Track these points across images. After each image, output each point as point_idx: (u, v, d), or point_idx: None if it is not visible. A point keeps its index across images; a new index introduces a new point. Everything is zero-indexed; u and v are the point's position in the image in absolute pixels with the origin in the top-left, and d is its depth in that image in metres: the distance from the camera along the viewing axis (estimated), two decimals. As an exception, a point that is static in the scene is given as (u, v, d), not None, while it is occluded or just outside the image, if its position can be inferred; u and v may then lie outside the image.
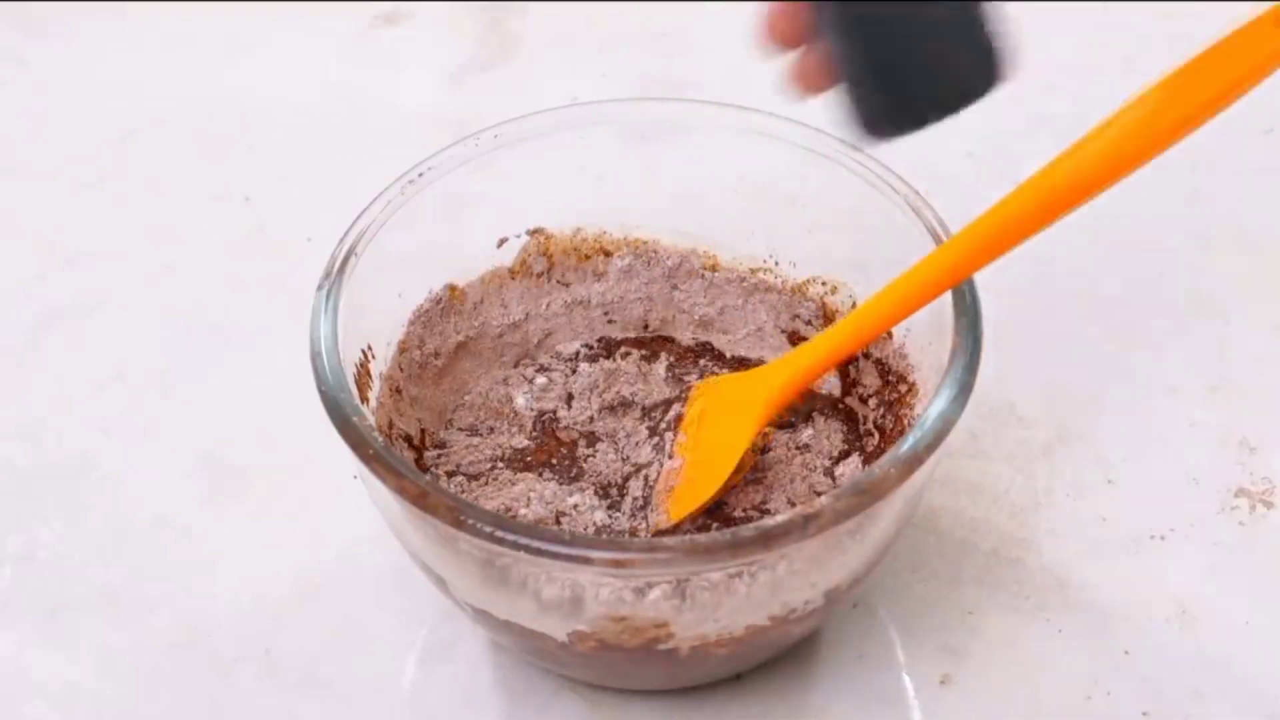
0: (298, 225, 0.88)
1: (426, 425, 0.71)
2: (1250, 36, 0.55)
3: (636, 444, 0.70)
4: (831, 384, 0.73)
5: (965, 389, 0.59)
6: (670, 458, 0.67)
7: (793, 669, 0.67)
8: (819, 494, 0.67)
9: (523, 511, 0.67)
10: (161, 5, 1.04)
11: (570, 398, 0.73)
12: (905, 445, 0.58)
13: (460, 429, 0.72)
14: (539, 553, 0.55)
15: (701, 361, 0.75)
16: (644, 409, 0.72)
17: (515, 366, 0.75)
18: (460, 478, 0.69)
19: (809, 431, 0.71)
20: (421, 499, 0.56)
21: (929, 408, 0.59)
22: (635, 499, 0.67)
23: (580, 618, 0.58)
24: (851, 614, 0.69)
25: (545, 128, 0.71)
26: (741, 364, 0.75)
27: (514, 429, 0.72)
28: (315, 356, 0.61)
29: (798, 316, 0.75)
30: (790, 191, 0.71)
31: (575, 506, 0.67)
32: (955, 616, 0.69)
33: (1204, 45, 0.56)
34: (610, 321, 0.76)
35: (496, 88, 0.99)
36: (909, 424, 0.64)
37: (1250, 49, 0.55)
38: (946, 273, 0.62)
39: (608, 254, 0.75)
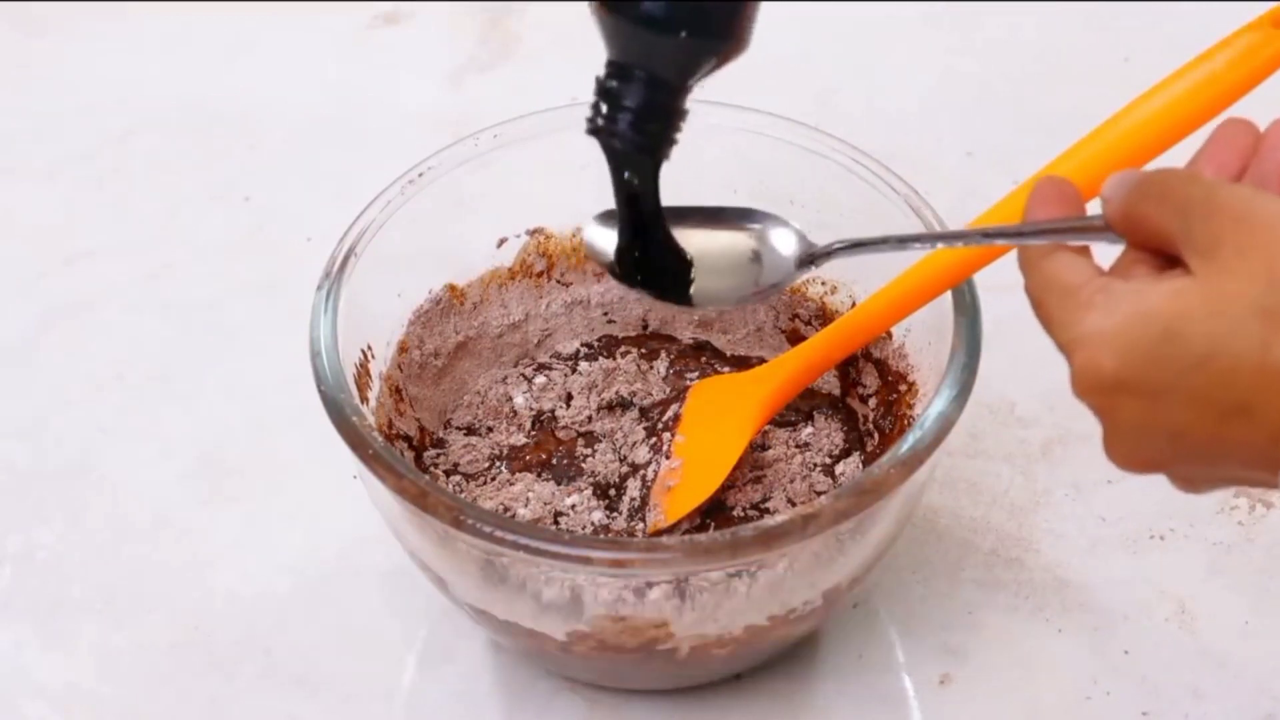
0: (297, 225, 0.88)
1: (426, 425, 0.71)
2: (1249, 38, 0.55)
3: (634, 444, 0.70)
4: (831, 384, 0.73)
5: (965, 389, 0.59)
6: (668, 457, 0.67)
7: (793, 669, 0.67)
8: (819, 493, 0.67)
9: (521, 511, 0.67)
10: (161, 5, 1.04)
11: (569, 397, 0.73)
12: (905, 445, 0.58)
13: (458, 428, 0.72)
14: (538, 552, 0.55)
15: (701, 360, 0.75)
16: (642, 409, 0.72)
17: (515, 366, 0.75)
18: (458, 477, 0.69)
19: (809, 430, 0.71)
20: (421, 499, 0.56)
21: (929, 408, 0.59)
22: (633, 499, 0.67)
23: (580, 618, 0.58)
24: (851, 614, 0.69)
25: (545, 128, 0.71)
26: (741, 363, 0.75)
27: (512, 428, 0.72)
28: (315, 356, 0.61)
29: (797, 316, 0.75)
30: (790, 191, 0.71)
31: (573, 506, 0.67)
32: (955, 616, 0.69)
33: (1203, 46, 0.56)
34: (610, 321, 0.76)
35: (496, 88, 0.98)
36: (909, 424, 0.64)
37: (1249, 50, 0.55)
38: (946, 273, 0.62)
39: (608, 254, 0.75)
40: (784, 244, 0.60)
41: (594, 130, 0.55)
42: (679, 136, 0.56)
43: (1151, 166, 0.55)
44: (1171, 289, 0.45)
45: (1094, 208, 0.51)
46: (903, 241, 0.57)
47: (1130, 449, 0.48)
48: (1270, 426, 0.44)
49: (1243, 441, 0.45)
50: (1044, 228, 0.50)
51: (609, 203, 0.61)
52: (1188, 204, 0.46)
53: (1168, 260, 0.47)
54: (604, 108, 0.55)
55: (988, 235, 0.54)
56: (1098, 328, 0.46)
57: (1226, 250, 0.45)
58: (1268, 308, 0.44)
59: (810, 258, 0.59)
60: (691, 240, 0.60)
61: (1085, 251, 0.50)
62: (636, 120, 0.54)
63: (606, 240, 0.60)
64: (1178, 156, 0.55)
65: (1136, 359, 0.45)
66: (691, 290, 0.59)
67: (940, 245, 0.58)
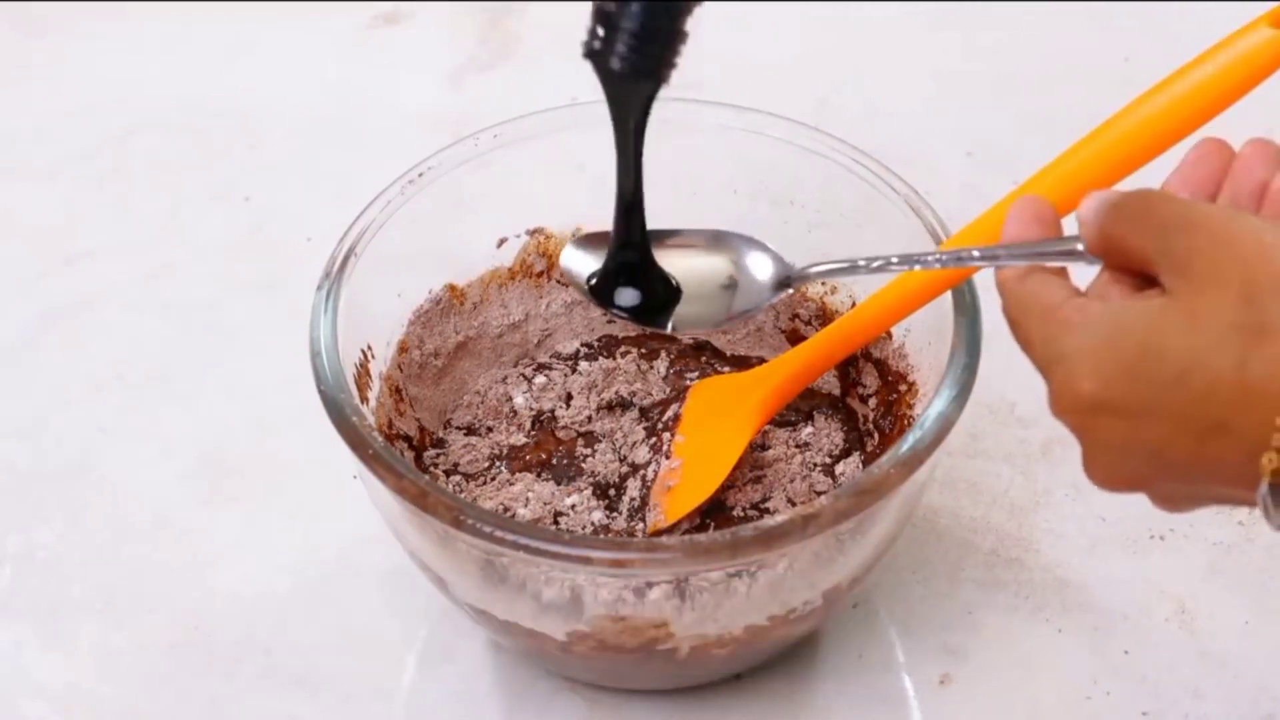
0: (297, 225, 0.88)
1: (426, 425, 0.71)
2: (1248, 38, 0.55)
3: (634, 444, 0.70)
4: (831, 384, 0.73)
5: (965, 389, 0.60)
6: (668, 457, 0.67)
7: (793, 669, 0.67)
8: (819, 493, 0.67)
9: (520, 511, 0.67)
10: (161, 5, 1.04)
11: (569, 397, 0.73)
12: (905, 445, 0.58)
13: (458, 428, 0.72)
14: (538, 552, 0.55)
15: (701, 360, 0.75)
16: (642, 409, 0.72)
17: (515, 366, 0.75)
18: (458, 477, 0.69)
19: (809, 430, 0.71)
20: (421, 499, 0.56)
21: (929, 408, 0.59)
22: (633, 499, 0.67)
23: (580, 618, 0.58)
24: (851, 614, 0.69)
25: (545, 128, 0.71)
26: (741, 363, 0.75)
27: (512, 428, 0.72)
28: (315, 356, 0.61)
29: (797, 316, 0.75)
30: (790, 191, 0.71)
31: (573, 506, 0.67)
32: (955, 616, 0.69)
33: (1203, 46, 0.56)
34: (610, 321, 0.76)
35: (496, 88, 0.99)
36: (909, 424, 0.64)
37: (1249, 51, 0.55)
38: (946, 273, 0.62)
39: (608, 254, 0.75)
40: (760, 268, 0.60)
41: (590, 54, 0.54)
42: (679, 61, 0.54)
43: (1150, 168, 0.55)
44: (1148, 308, 0.46)
45: (1071, 224, 0.51)
46: (884, 263, 0.57)
47: (1109, 468, 0.48)
48: (1248, 444, 0.44)
49: (1221, 459, 0.45)
50: (1021, 250, 0.51)
51: (608, 204, 0.62)
52: (1164, 224, 0.46)
53: (1145, 281, 0.47)
54: (601, 31, 0.53)
55: (963, 259, 0.54)
56: (1075, 347, 0.47)
57: (1202, 268, 0.45)
58: (1243, 324, 0.44)
59: (786, 281, 0.59)
60: (668, 265, 0.60)
61: (1062, 272, 0.50)
62: (636, 42, 0.53)
63: (584, 265, 0.60)
64: (1178, 158, 0.55)
65: (1114, 378, 0.46)
66: (672, 317, 0.59)
67: (917, 267, 0.58)
